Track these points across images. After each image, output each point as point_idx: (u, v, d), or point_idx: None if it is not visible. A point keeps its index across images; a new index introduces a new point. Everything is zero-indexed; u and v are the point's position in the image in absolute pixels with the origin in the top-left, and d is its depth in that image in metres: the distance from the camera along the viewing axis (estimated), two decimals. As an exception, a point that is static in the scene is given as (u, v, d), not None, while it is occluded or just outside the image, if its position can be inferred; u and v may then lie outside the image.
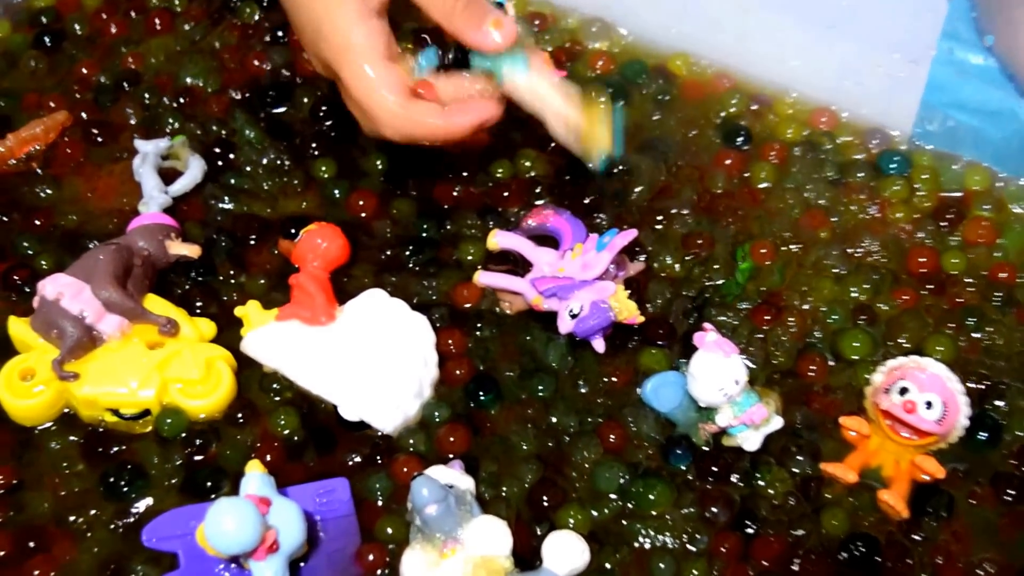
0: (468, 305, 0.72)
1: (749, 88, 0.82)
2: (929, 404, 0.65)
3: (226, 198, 0.77)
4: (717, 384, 0.65)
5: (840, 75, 0.80)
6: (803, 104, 0.81)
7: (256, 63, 0.84)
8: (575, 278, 0.68)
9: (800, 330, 0.71)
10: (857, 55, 0.78)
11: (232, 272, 0.74)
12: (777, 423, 0.67)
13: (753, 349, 0.70)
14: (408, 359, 0.68)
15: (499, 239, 0.73)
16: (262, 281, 0.73)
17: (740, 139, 0.80)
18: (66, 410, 0.68)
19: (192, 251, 0.72)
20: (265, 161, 0.79)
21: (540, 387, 0.69)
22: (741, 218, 0.76)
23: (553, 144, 0.79)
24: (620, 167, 0.77)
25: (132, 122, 0.81)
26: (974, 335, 0.72)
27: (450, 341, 0.70)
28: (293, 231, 0.73)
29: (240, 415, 0.68)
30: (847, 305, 0.73)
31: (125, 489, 0.65)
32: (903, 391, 0.65)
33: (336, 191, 0.77)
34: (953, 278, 0.74)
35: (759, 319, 0.71)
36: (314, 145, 0.79)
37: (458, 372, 0.69)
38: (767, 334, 0.71)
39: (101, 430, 0.68)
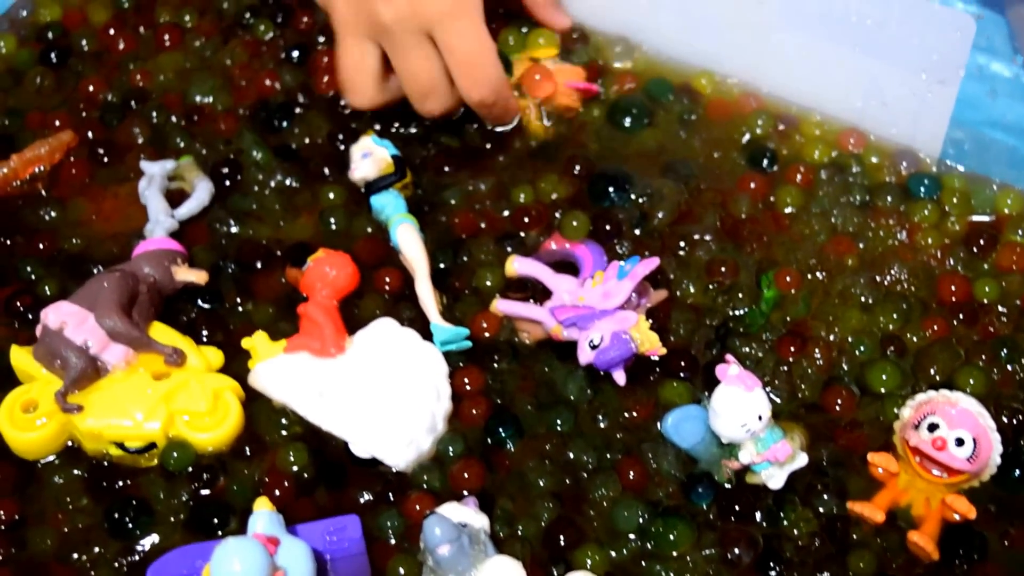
0: (487, 335, 0.70)
1: (775, 107, 0.80)
2: (960, 441, 0.63)
3: (231, 221, 0.75)
4: (739, 420, 0.63)
5: (866, 95, 0.77)
6: (830, 124, 0.79)
7: (268, 82, 0.82)
8: (596, 307, 0.66)
9: (826, 362, 0.69)
10: (883, 75, 0.76)
11: (239, 300, 0.72)
12: (802, 460, 0.64)
13: (778, 382, 0.68)
14: (421, 392, 0.66)
15: (517, 265, 0.71)
16: (270, 310, 0.71)
17: (766, 161, 0.78)
18: (70, 443, 0.66)
19: (199, 277, 0.70)
20: (273, 184, 0.77)
21: (558, 421, 0.67)
22: (766, 244, 0.74)
23: (578, 169, 0.77)
24: (644, 194, 0.76)
25: (139, 141, 0.79)
26: (1008, 367, 0.69)
27: (466, 379, 0.68)
28: (300, 259, 0.71)
29: (247, 449, 0.66)
30: (875, 336, 0.70)
31: (130, 526, 0.63)
32: (932, 427, 0.63)
33: (346, 217, 0.75)
34: (985, 307, 0.72)
35: (784, 350, 0.69)
36: (326, 170, 0.77)
37: (474, 411, 0.67)
38: (792, 366, 0.69)
39: (106, 464, 0.66)
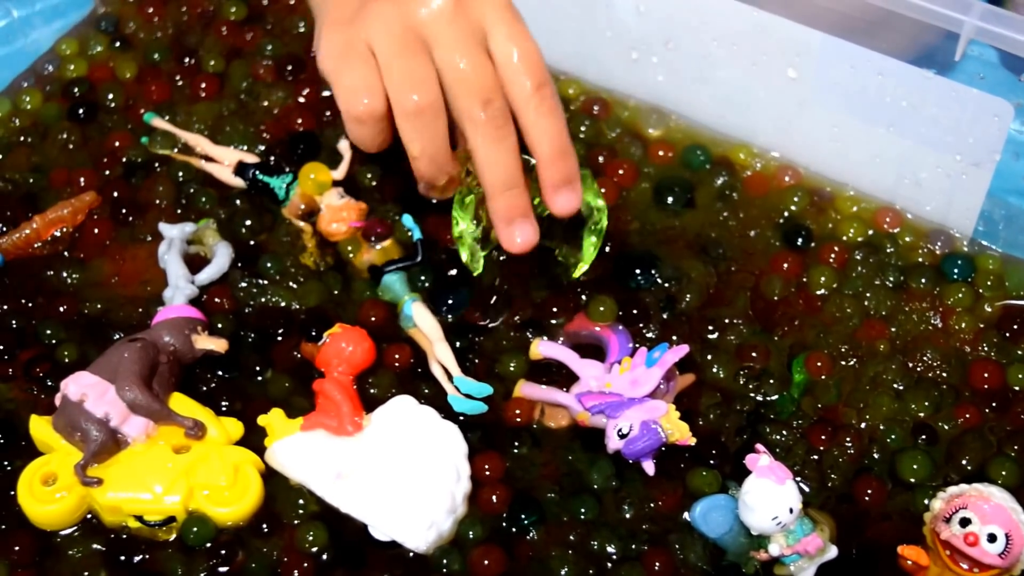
0: (519, 420, 0.69)
1: (810, 183, 0.79)
2: (992, 537, 0.62)
3: (254, 290, 0.74)
4: (770, 513, 0.62)
5: (900, 173, 0.77)
6: (866, 202, 0.78)
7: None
8: (624, 395, 0.65)
9: (857, 451, 0.68)
10: (916, 155, 0.75)
11: (258, 368, 0.71)
12: (832, 552, 0.63)
13: (808, 471, 0.67)
14: (441, 473, 0.65)
15: (542, 349, 0.70)
16: (286, 384, 0.70)
17: (800, 239, 0.76)
18: (88, 515, 0.66)
19: (219, 345, 0.69)
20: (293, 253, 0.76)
21: (582, 509, 0.66)
22: (797, 328, 0.73)
23: (608, 248, 0.76)
24: (673, 276, 0.74)
25: (164, 204, 0.78)
26: (1040, 458, 0.68)
27: (487, 466, 0.67)
28: (315, 332, 0.70)
29: (265, 526, 0.65)
30: (906, 424, 0.69)
31: None
32: (965, 522, 0.62)
33: (368, 291, 0.74)
34: (1019, 394, 0.70)
35: (815, 438, 0.68)
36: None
37: (494, 499, 0.66)
38: (823, 455, 0.68)
39: (124, 536, 0.65)
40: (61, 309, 0.74)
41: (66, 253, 0.76)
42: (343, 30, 0.67)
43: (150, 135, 0.81)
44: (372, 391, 0.70)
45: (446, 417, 0.68)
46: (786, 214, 0.78)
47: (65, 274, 0.75)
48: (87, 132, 0.83)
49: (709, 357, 0.71)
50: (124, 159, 0.81)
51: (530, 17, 0.83)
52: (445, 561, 0.64)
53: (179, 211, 0.78)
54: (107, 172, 0.80)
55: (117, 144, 0.81)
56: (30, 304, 0.74)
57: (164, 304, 0.73)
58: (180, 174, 0.80)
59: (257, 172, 0.78)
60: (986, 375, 0.71)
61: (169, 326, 0.69)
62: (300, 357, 0.71)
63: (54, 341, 0.72)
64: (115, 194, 0.79)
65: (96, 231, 0.77)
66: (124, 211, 0.78)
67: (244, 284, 0.74)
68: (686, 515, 0.65)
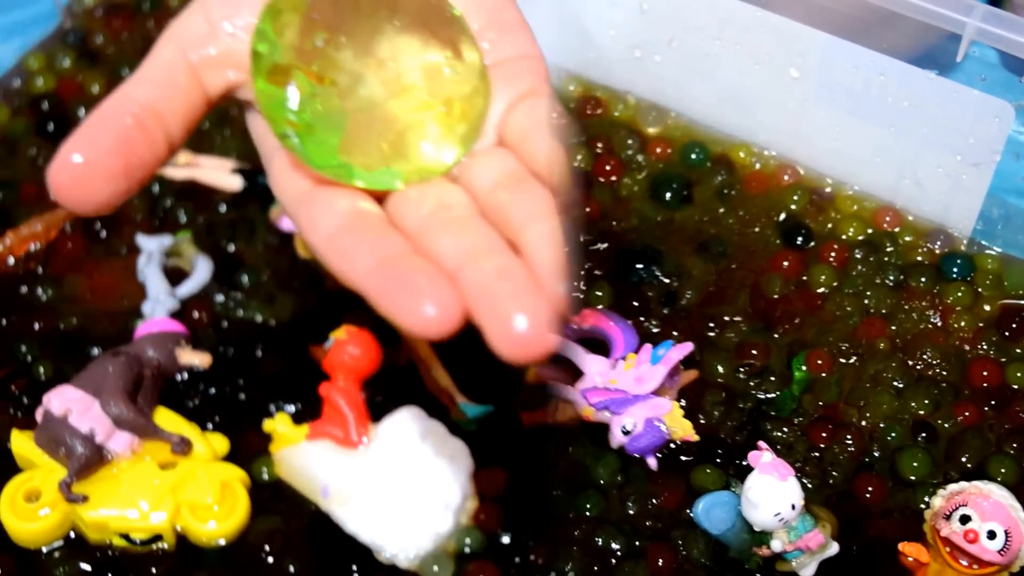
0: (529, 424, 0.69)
1: (810, 181, 0.79)
2: (992, 534, 0.62)
3: (231, 303, 0.74)
4: (773, 509, 0.62)
5: (899, 173, 0.77)
6: (865, 200, 0.78)
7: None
8: (629, 392, 0.66)
9: (858, 448, 0.68)
10: (917, 155, 0.75)
11: (241, 383, 0.70)
12: (833, 548, 0.64)
13: (809, 468, 0.67)
14: (445, 491, 0.64)
15: (548, 344, 0.70)
16: (272, 401, 0.70)
17: (800, 238, 0.77)
18: (72, 533, 0.65)
19: (203, 360, 0.68)
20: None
21: (587, 506, 0.66)
22: (797, 326, 0.73)
23: (605, 246, 0.76)
24: (674, 272, 0.75)
25: (139, 218, 0.78)
26: (1039, 456, 0.69)
27: (490, 482, 0.66)
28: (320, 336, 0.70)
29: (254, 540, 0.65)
30: (906, 422, 0.69)
31: None
32: (965, 519, 0.63)
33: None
34: (1017, 392, 0.71)
35: (816, 436, 0.69)
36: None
37: (496, 517, 0.65)
38: (823, 452, 0.68)
39: (111, 553, 0.64)
40: (36, 326, 0.73)
41: (40, 270, 0.75)
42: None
43: None
44: (378, 398, 0.68)
45: (454, 432, 0.66)
46: (785, 213, 0.78)
47: (40, 290, 0.74)
48: (57, 147, 0.81)
49: (710, 354, 0.71)
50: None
51: (533, 15, 0.83)
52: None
53: (156, 222, 0.78)
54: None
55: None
56: (4, 322, 0.73)
57: (144, 318, 0.72)
58: (155, 187, 0.79)
59: (260, 177, 0.78)
60: (985, 373, 0.71)
61: (152, 340, 0.68)
62: (287, 370, 0.70)
63: (30, 358, 0.71)
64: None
65: (70, 245, 0.76)
66: (98, 225, 0.77)
67: (222, 298, 0.74)
68: (689, 511, 0.66)
